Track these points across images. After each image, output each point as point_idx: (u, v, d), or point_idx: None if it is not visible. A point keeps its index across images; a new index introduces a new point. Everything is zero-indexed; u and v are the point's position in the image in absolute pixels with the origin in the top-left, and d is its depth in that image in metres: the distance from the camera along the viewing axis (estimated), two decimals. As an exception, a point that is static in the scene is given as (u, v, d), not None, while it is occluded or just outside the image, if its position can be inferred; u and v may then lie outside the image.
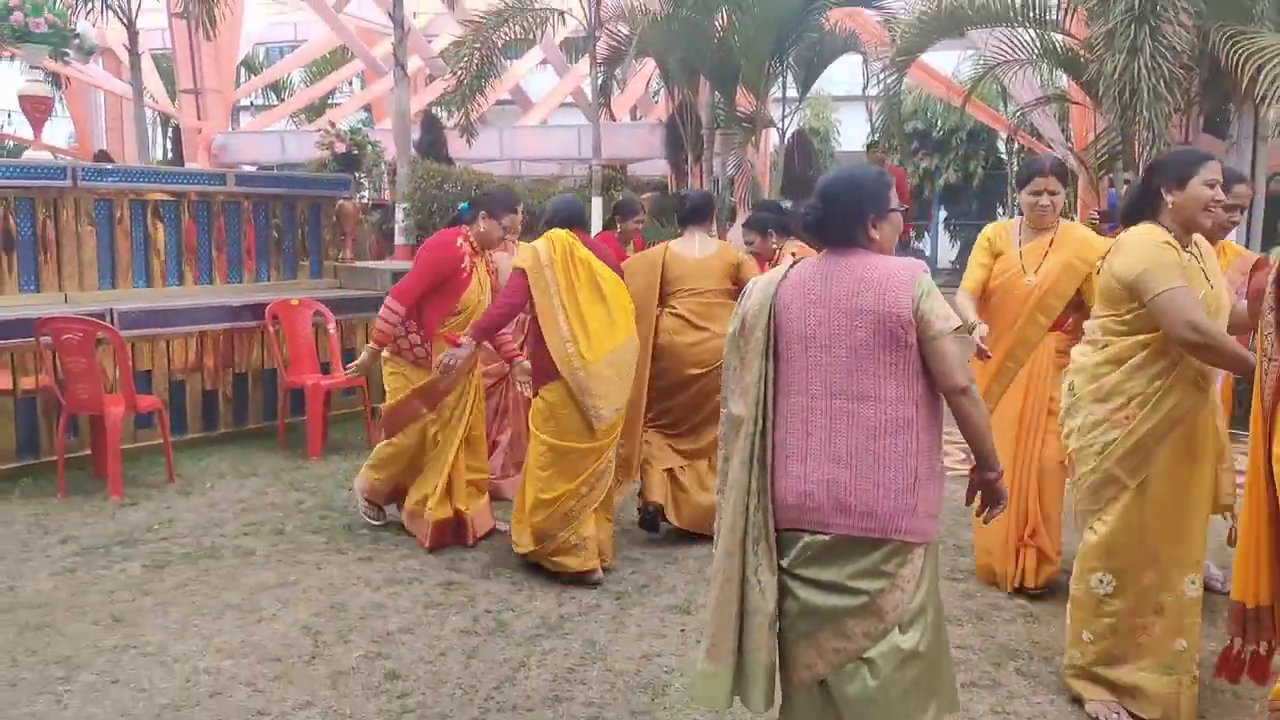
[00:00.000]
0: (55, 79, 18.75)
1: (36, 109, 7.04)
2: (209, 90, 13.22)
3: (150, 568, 4.65)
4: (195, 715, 3.32)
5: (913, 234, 21.87)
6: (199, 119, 13.55)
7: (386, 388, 5.13)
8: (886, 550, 2.53)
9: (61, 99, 19.40)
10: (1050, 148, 13.02)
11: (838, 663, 2.58)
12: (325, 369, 7.16)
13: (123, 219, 6.91)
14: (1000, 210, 30.21)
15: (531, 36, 10.11)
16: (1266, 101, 7.31)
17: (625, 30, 10.10)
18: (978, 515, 2.75)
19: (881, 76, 9.09)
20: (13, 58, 7.81)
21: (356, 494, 5.34)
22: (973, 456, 2.66)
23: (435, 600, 4.31)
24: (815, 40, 9.77)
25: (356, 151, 8.48)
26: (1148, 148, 7.85)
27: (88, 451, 6.17)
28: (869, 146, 12.89)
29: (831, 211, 2.59)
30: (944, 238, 29.41)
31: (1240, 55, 7.16)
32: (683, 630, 4.02)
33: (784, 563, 2.62)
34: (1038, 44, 8.89)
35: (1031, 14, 8.54)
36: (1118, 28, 7.40)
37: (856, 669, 2.57)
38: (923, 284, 2.50)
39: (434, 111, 11.90)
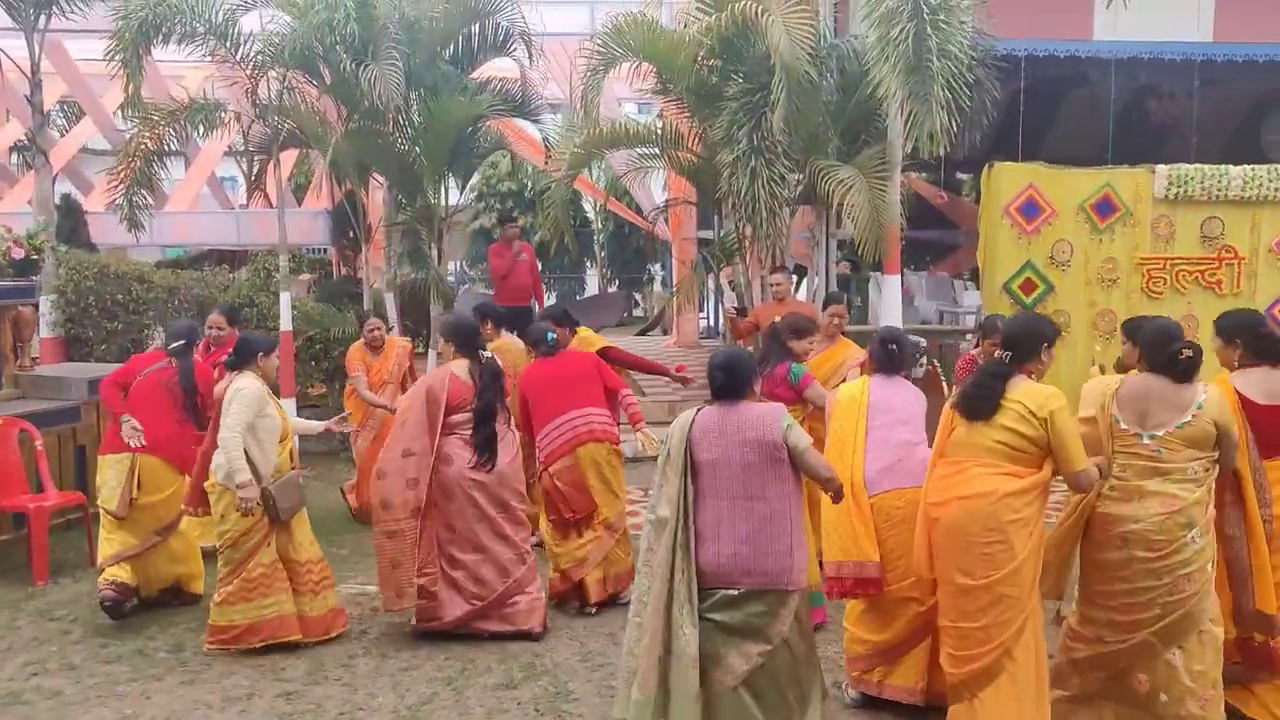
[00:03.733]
0: None
1: None
2: None
3: (-43, 724, 4.60)
4: None
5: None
6: None
7: None
8: (773, 596, 3.92)
9: None
10: (646, 217, 15.54)
11: (740, 674, 3.87)
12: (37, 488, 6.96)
13: None
14: (589, 264, 33.01)
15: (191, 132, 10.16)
16: (846, 210, 9.42)
17: (289, 123, 10.47)
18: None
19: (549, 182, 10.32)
20: None
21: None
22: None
23: (284, 711, 4.75)
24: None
25: (37, 255, 8.10)
26: (764, 245, 9.76)
27: None
28: (502, 223, 14.14)
29: (732, 380, 4.07)
30: (535, 290, 31.36)
31: (830, 182, 9.21)
32: (519, 704, 4.82)
33: (703, 608, 3.92)
34: (669, 160, 10.62)
35: (666, 138, 10.31)
36: (740, 158, 9.18)
37: (755, 673, 3.90)
38: (786, 419, 4.00)
39: (72, 197, 11.33)
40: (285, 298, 9.29)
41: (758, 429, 3.93)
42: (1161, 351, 4.19)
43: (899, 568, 4.52)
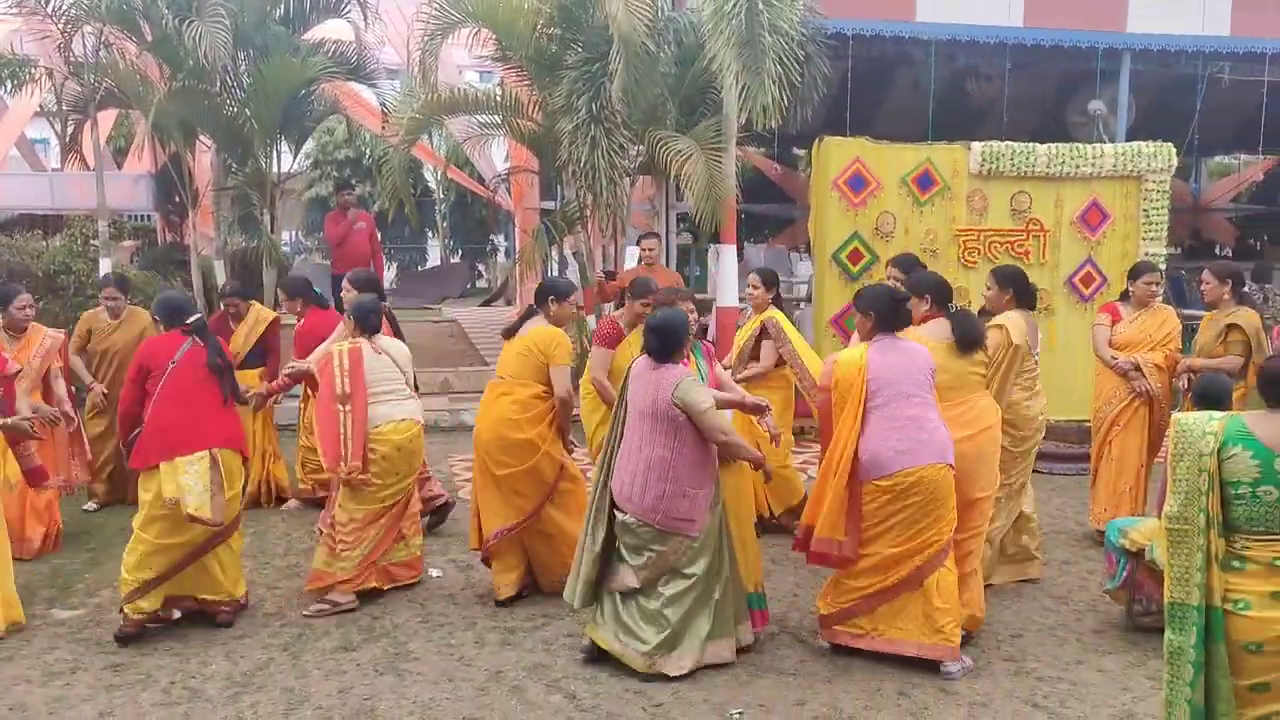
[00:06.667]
0: None
1: None
2: None
3: None
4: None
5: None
6: None
7: None
8: (649, 531, 4.57)
9: None
10: (487, 186, 15.55)
11: (624, 585, 4.65)
12: None
13: None
14: (430, 234, 32.39)
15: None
16: (683, 180, 9.65)
17: (107, 81, 9.98)
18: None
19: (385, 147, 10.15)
20: None
21: None
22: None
23: (111, 682, 4.62)
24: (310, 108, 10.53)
25: None
26: (605, 215, 9.92)
27: None
28: (338, 190, 13.84)
29: (664, 342, 4.63)
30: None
31: (668, 153, 9.41)
32: (358, 665, 4.83)
33: (615, 527, 4.70)
34: (510, 128, 10.60)
35: (506, 106, 10.27)
36: (580, 127, 9.27)
37: (639, 589, 4.63)
38: (680, 386, 4.51)
39: None
40: (105, 264, 8.90)
41: (656, 389, 4.55)
42: (1027, 289, 5.62)
43: (912, 532, 4.58)
